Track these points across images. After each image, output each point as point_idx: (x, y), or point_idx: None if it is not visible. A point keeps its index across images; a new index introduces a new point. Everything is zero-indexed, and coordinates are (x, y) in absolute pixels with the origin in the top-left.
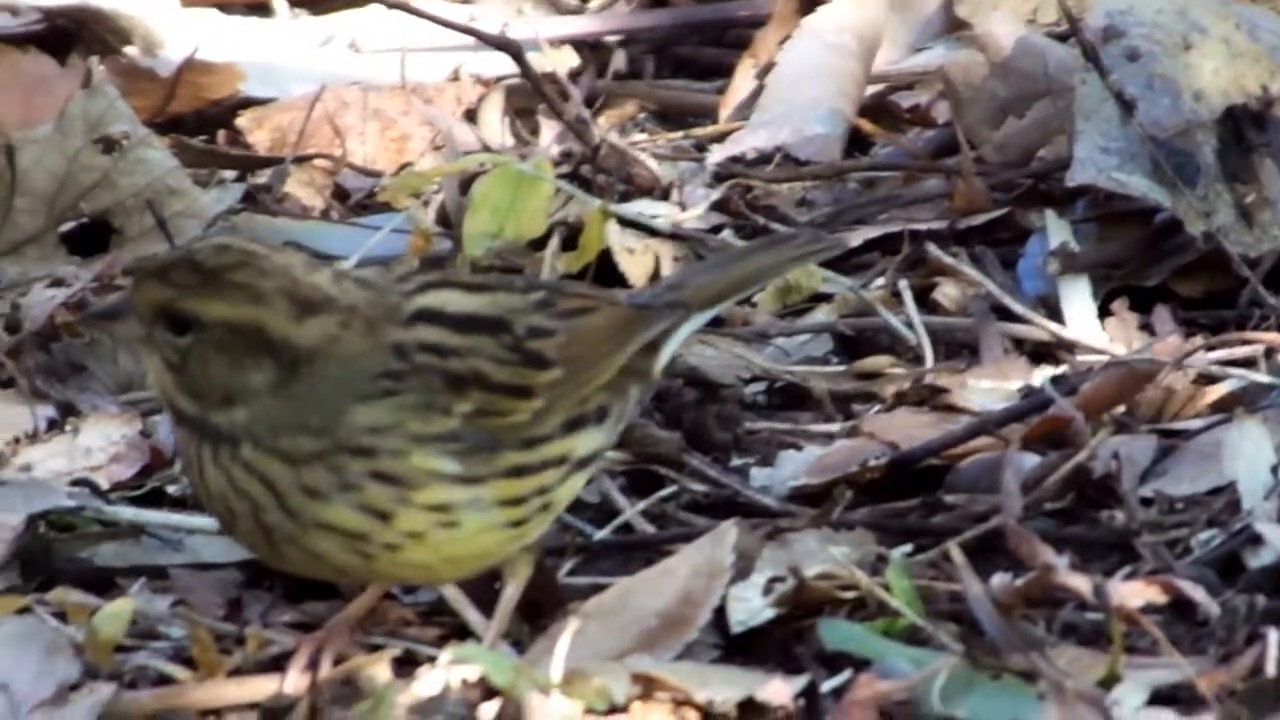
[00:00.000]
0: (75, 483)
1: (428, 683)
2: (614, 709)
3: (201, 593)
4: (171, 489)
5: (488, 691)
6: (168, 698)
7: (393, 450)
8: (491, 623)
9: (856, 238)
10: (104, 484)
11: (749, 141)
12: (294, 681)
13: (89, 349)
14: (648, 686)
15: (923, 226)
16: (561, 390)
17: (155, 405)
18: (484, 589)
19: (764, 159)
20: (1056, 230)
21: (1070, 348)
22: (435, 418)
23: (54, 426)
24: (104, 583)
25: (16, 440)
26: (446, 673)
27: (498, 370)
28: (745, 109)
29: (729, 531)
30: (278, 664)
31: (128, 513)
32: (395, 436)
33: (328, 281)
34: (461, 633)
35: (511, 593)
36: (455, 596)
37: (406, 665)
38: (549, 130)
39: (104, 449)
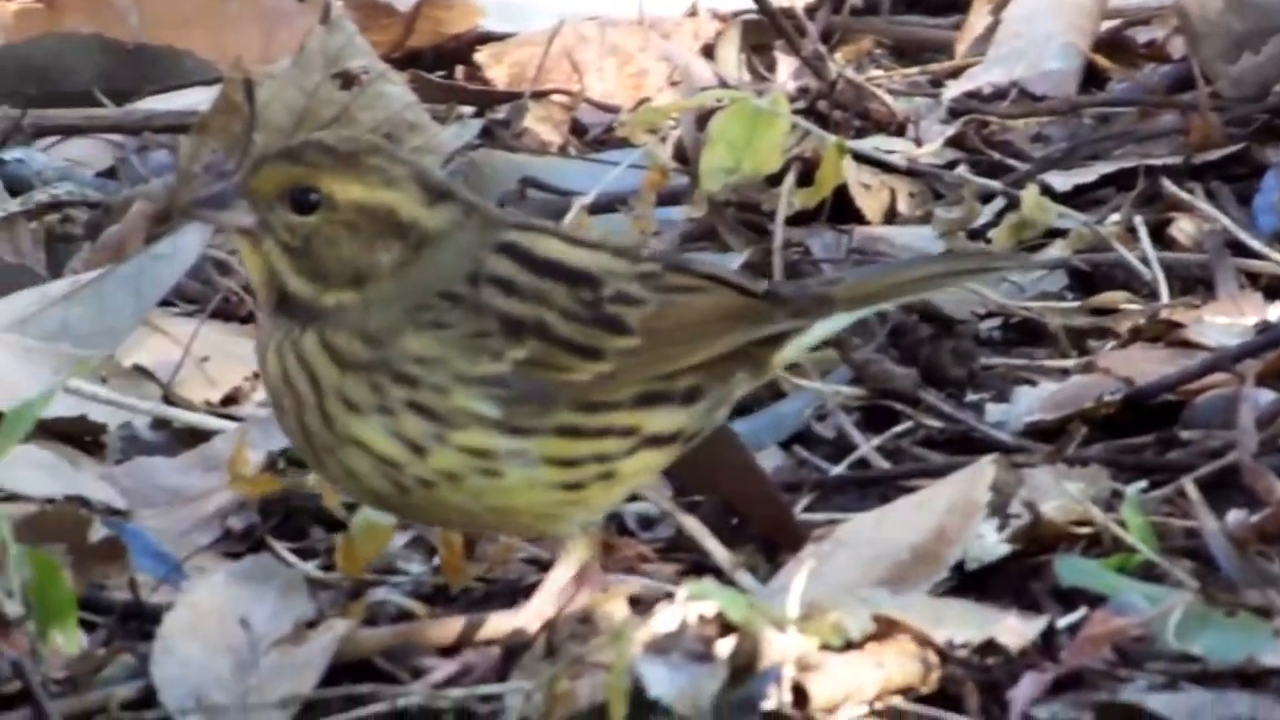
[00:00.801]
0: None
1: (665, 619)
2: (850, 645)
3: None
4: None
5: (724, 627)
6: (405, 634)
7: (435, 385)
8: (531, 604)
9: (1092, 173)
10: None
11: (984, 77)
12: (531, 617)
13: None
14: (884, 624)
15: (1158, 162)
16: (636, 361)
17: None
18: (724, 522)
19: (999, 94)
20: None
21: None
22: (483, 359)
23: None
24: (340, 521)
25: (255, 376)
26: (684, 609)
27: (563, 324)
28: (981, 44)
29: (986, 468)
30: (514, 599)
31: None
32: (440, 371)
33: (450, 178)
34: (699, 569)
35: (558, 575)
36: (696, 529)
37: (643, 602)
38: (785, 66)
39: None
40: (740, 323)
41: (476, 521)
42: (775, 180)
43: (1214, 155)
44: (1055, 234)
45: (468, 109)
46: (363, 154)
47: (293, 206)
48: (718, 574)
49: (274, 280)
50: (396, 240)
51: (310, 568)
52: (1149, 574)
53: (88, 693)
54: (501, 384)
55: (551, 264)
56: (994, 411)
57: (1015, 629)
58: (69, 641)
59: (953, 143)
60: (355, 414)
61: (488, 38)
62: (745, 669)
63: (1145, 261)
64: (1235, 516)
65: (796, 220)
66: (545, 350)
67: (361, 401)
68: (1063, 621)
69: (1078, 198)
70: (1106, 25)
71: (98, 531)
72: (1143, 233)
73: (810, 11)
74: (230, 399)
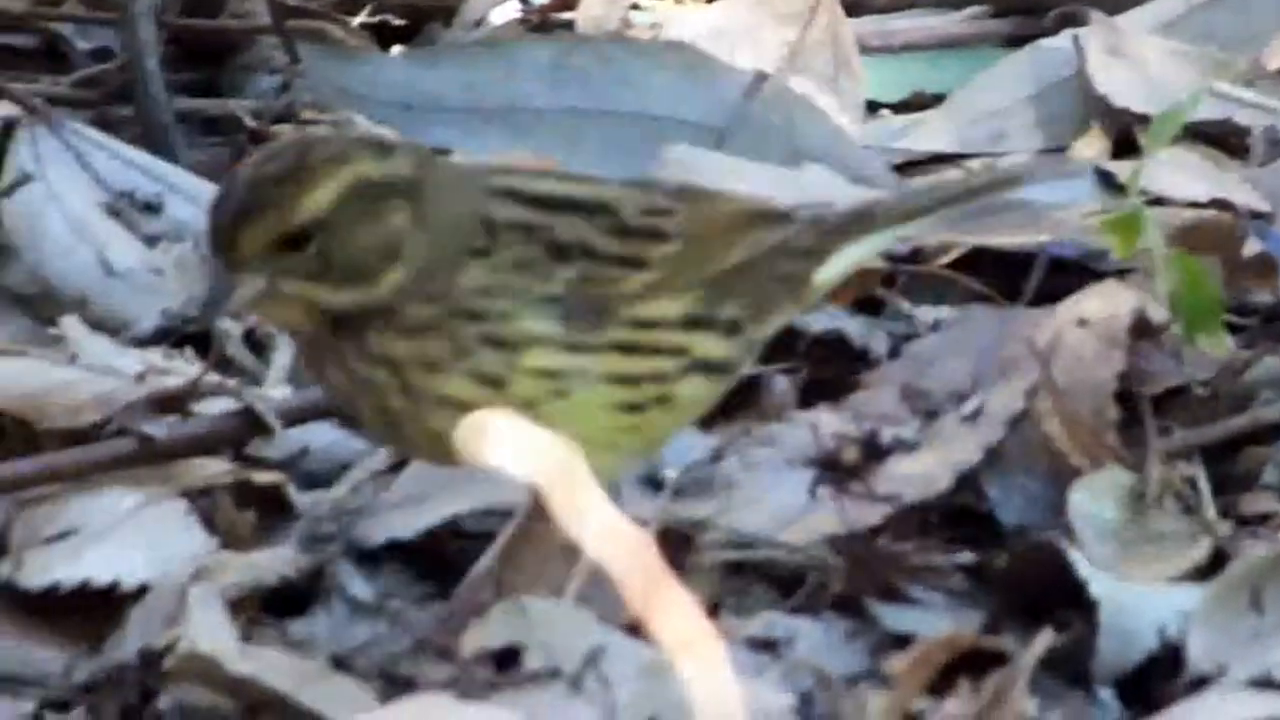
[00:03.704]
0: None
1: None
2: None
3: None
4: None
5: None
6: None
7: (499, 312)
8: None
9: None
10: None
11: None
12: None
13: None
14: None
15: None
16: (679, 265)
17: None
18: None
19: None
20: None
21: None
22: (536, 281)
23: None
24: None
25: None
26: None
27: (606, 243)
28: None
29: None
30: None
31: None
32: (500, 298)
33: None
34: None
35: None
36: None
37: None
38: None
39: None
40: (764, 224)
41: None
42: None
43: None
44: None
45: None
46: (305, 161)
47: (290, 249)
48: None
49: (320, 311)
50: (393, 199)
51: None
52: None
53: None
54: (557, 302)
55: (559, 200)
56: None
57: None
58: (1215, 344)
59: None
60: (437, 372)
61: None
62: None
63: None
64: None
65: None
66: (593, 267)
67: (440, 357)
68: None
69: None
70: None
71: (1251, 247)
72: None
73: None
74: None
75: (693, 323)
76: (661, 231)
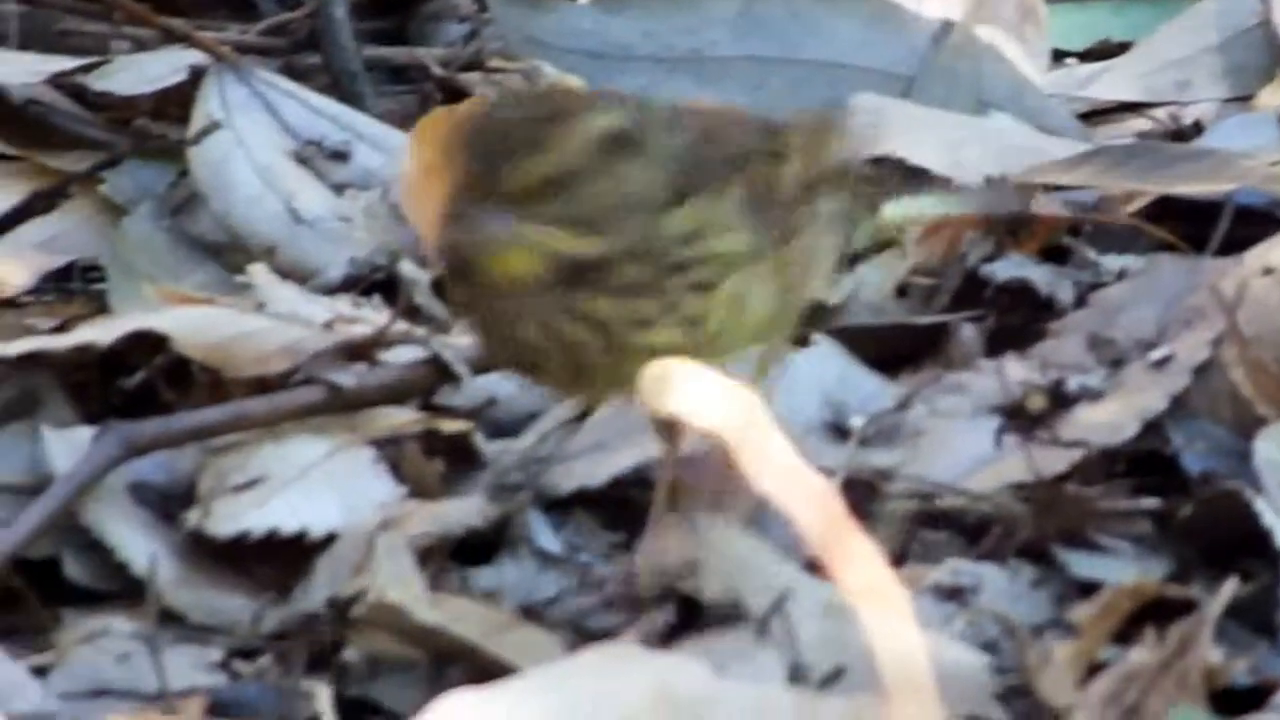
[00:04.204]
0: None
1: None
2: None
3: None
4: None
5: None
6: None
7: (702, 256)
8: None
9: None
10: None
11: None
12: None
13: None
14: None
15: None
16: (806, 154)
17: None
18: None
19: None
20: None
21: None
22: (723, 202)
23: None
24: None
25: None
26: None
27: (760, 141)
28: None
29: None
30: None
31: None
32: (701, 242)
33: None
34: None
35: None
36: None
37: None
38: None
39: None
40: (835, 133)
41: (731, 355)
42: None
43: None
44: None
45: None
46: (564, 104)
47: (541, 193)
48: None
49: (553, 261)
50: (622, 150)
51: None
52: None
53: None
54: (742, 214)
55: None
56: None
57: None
58: None
59: None
60: (646, 328)
61: None
62: None
63: None
64: None
65: None
66: (757, 168)
67: (653, 314)
68: None
69: None
70: None
71: None
72: None
73: None
74: None
75: (812, 185)
76: (788, 126)
